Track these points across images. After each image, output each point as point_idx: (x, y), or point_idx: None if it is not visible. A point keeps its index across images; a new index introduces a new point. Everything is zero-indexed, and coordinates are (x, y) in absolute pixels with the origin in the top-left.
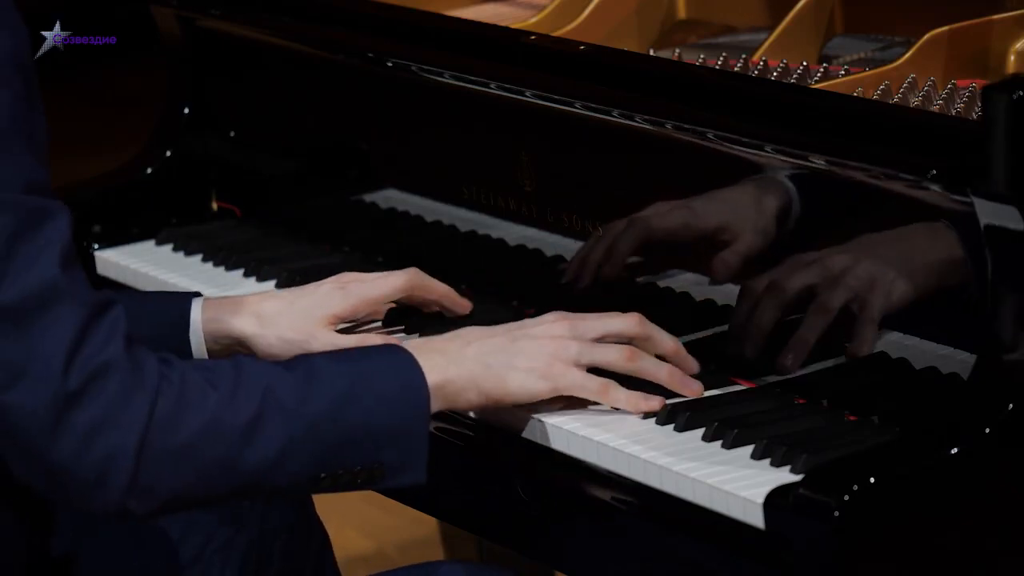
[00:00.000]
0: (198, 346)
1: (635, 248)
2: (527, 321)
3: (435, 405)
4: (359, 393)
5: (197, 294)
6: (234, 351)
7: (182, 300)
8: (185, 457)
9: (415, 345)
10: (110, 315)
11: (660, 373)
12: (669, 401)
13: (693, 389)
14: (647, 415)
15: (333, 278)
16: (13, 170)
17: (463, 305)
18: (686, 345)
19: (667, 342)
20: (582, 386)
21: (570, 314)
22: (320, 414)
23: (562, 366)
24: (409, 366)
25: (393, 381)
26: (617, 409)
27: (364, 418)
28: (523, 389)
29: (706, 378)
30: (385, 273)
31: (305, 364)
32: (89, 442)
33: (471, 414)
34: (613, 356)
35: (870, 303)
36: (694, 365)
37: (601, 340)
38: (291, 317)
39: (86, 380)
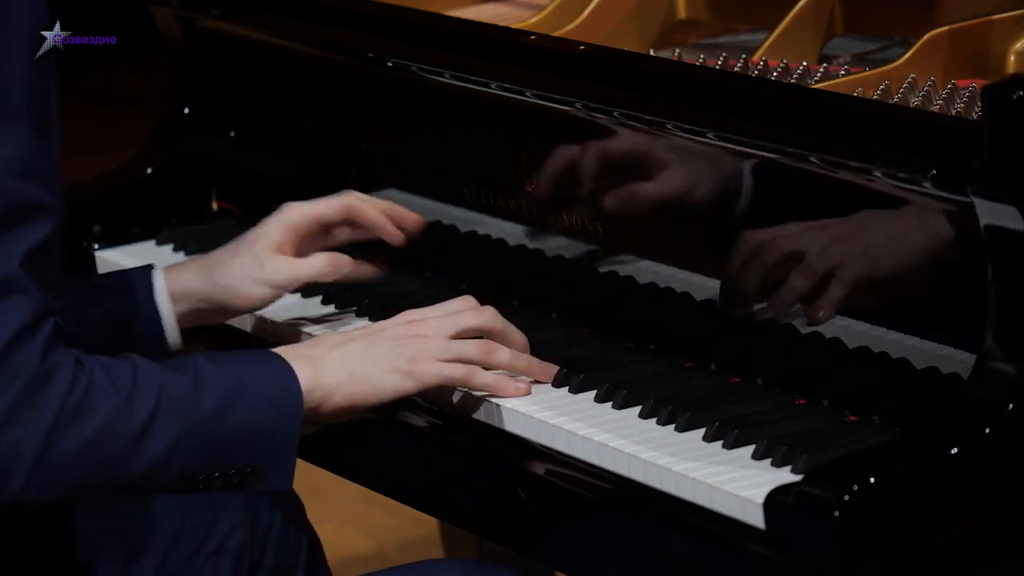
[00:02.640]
0: (164, 307)
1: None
2: (382, 323)
3: (305, 410)
4: (242, 397)
5: (151, 266)
6: (198, 308)
7: (143, 271)
8: (85, 454)
9: (283, 351)
10: (50, 321)
11: (519, 363)
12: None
13: (552, 374)
14: (648, 415)
15: (267, 219)
16: (13, 151)
17: (411, 219)
18: (686, 345)
19: (517, 337)
20: (448, 376)
21: (425, 309)
22: (208, 415)
23: (424, 362)
24: (286, 372)
25: (272, 386)
26: (617, 410)
27: (246, 421)
28: (390, 389)
29: (706, 378)
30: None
31: (192, 366)
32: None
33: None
34: (471, 350)
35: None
36: (543, 364)
37: (458, 336)
38: (241, 257)
39: (7, 375)
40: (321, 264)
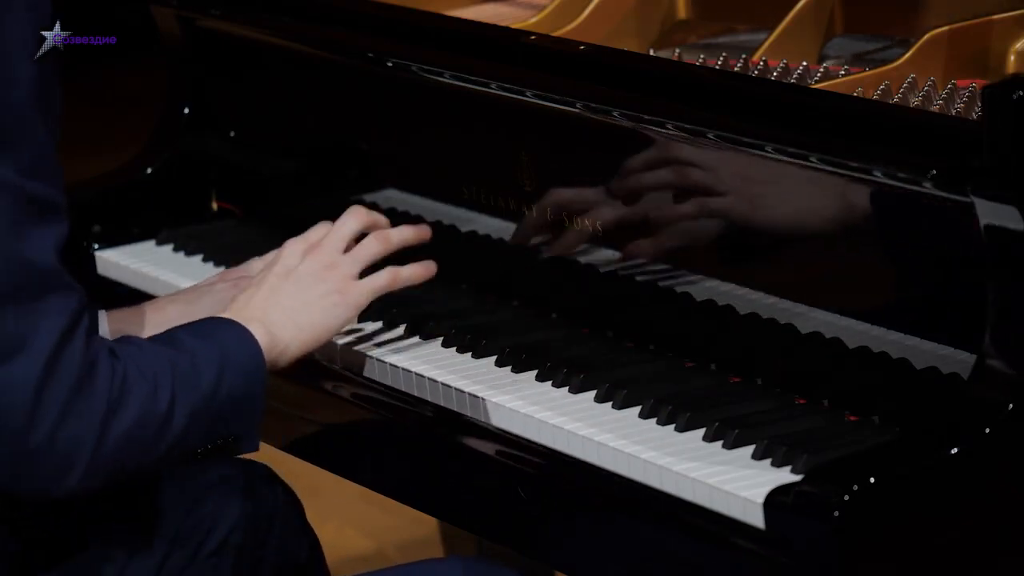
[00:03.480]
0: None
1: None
2: (284, 262)
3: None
4: (227, 367)
5: (102, 307)
6: None
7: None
8: (128, 442)
9: (234, 315)
10: (87, 312)
11: (408, 235)
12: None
13: (425, 231)
14: (648, 416)
15: (219, 275)
16: (26, 156)
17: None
18: (686, 345)
19: (381, 217)
20: (376, 287)
21: (306, 234)
22: (209, 390)
23: (350, 286)
24: (248, 337)
25: (243, 354)
26: (617, 410)
27: (232, 390)
28: (336, 325)
29: (706, 378)
30: (263, 260)
31: (182, 342)
32: (59, 428)
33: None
34: (372, 249)
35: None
36: (425, 229)
37: (349, 247)
38: (192, 319)
39: (62, 370)
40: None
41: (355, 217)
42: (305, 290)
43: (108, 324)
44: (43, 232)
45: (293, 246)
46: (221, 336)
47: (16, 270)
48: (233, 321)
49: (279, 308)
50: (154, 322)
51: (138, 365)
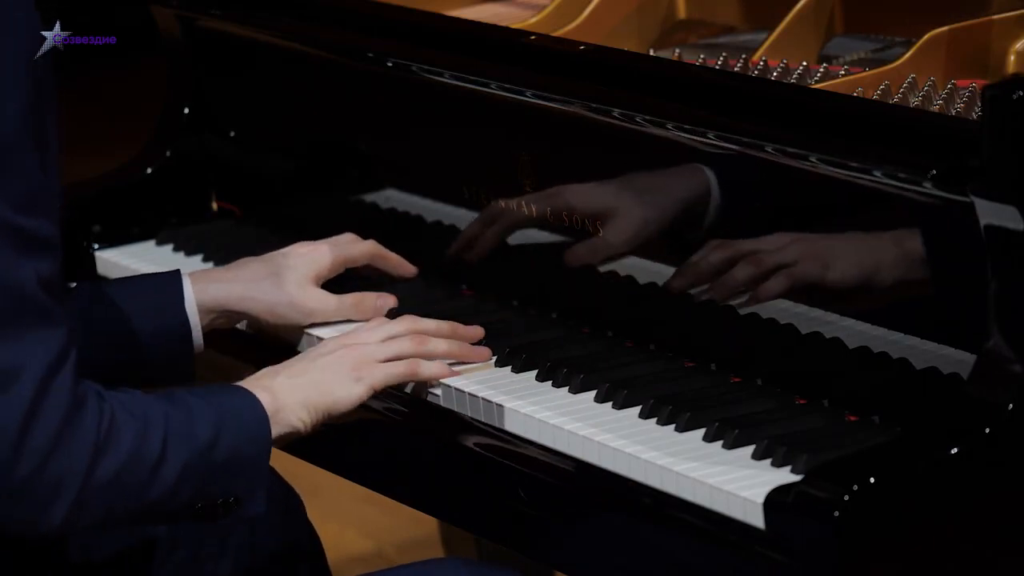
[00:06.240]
0: (194, 317)
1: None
2: (320, 347)
3: (273, 435)
4: (227, 427)
5: (178, 271)
6: (228, 318)
7: (173, 278)
8: (116, 482)
9: (245, 382)
10: (74, 348)
11: (448, 348)
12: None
13: (482, 354)
14: (648, 416)
15: (298, 244)
16: (13, 189)
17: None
18: (686, 345)
19: (443, 326)
20: (393, 374)
21: (353, 333)
22: (204, 444)
23: (368, 365)
24: (252, 401)
25: (246, 415)
26: (617, 410)
27: (231, 450)
28: (344, 399)
29: (706, 378)
30: (342, 239)
31: (179, 397)
32: (46, 463)
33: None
34: (406, 345)
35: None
36: (476, 332)
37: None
38: (279, 280)
39: (50, 404)
40: (351, 305)
41: (404, 323)
42: (319, 361)
43: (193, 285)
44: (31, 266)
45: (337, 339)
46: (223, 398)
47: (1, 303)
48: (238, 387)
49: (286, 375)
50: (242, 278)
51: (128, 408)
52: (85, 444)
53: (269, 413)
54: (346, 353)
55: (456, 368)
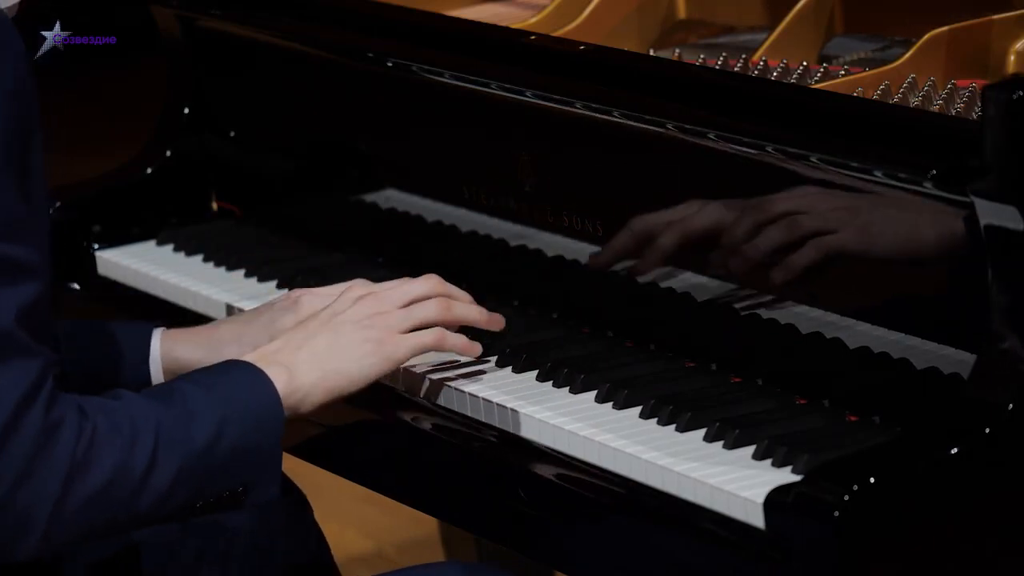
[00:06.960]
0: (157, 376)
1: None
2: (336, 305)
3: (285, 414)
4: (230, 419)
5: (157, 325)
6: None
7: (144, 332)
8: (97, 501)
9: (256, 358)
10: (49, 376)
11: (473, 314)
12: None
13: (499, 321)
14: (649, 416)
15: (282, 296)
16: None
17: None
18: (686, 345)
19: (464, 294)
20: (420, 345)
21: (369, 285)
22: (203, 444)
23: (392, 338)
24: (263, 382)
25: (253, 401)
26: (617, 410)
27: (236, 442)
28: (366, 375)
29: (706, 378)
30: (330, 288)
31: (179, 394)
32: (14, 492)
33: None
34: (432, 311)
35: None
36: (498, 319)
37: (408, 305)
38: (249, 338)
39: (19, 436)
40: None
41: (428, 283)
42: (342, 335)
43: (160, 342)
44: (10, 295)
45: (352, 291)
46: (230, 385)
47: None
48: (248, 365)
49: (308, 351)
50: (207, 341)
51: (113, 421)
52: (57, 469)
53: (283, 395)
54: (369, 322)
55: (459, 361)
